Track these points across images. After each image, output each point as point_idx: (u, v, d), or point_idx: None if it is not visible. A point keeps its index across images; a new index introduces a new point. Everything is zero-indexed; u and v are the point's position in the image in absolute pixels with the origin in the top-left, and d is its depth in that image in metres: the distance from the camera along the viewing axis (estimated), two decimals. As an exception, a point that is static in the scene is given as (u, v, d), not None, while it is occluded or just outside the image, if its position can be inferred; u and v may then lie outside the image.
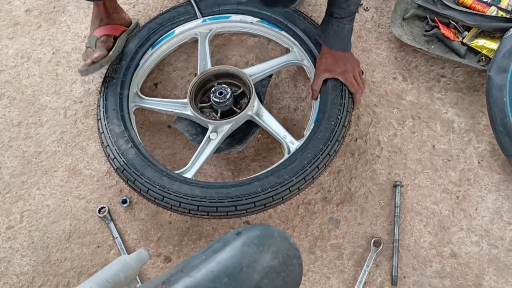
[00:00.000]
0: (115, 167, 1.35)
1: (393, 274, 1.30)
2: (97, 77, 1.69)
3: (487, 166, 1.41)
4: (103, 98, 1.45)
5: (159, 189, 1.28)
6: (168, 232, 1.44)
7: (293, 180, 1.25)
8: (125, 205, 1.48)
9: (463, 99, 1.50)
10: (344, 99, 1.34)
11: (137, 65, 1.53)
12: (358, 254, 1.36)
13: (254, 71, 1.49)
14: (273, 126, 1.40)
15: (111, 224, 1.46)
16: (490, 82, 1.40)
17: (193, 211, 1.26)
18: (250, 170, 1.49)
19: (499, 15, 1.54)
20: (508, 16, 1.52)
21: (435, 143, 1.46)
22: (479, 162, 1.42)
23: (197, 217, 1.36)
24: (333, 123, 1.31)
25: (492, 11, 1.55)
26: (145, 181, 1.29)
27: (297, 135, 1.42)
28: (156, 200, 1.29)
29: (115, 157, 1.35)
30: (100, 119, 1.42)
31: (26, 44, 1.78)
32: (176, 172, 1.35)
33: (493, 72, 1.40)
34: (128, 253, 1.42)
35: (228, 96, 1.42)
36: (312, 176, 1.27)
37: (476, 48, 1.52)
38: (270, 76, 1.51)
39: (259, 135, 1.53)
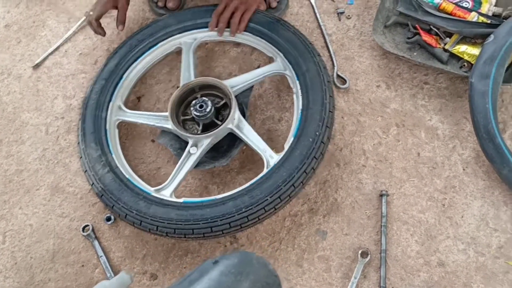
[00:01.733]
0: (95, 193, 1.35)
1: (381, 285, 1.30)
2: (79, 91, 1.67)
3: (472, 173, 1.41)
4: (81, 121, 1.44)
5: (136, 214, 1.28)
6: (154, 248, 1.42)
7: (267, 199, 1.23)
8: (110, 222, 1.46)
9: (447, 105, 1.50)
10: (324, 114, 1.32)
11: (117, 83, 1.50)
12: (345, 265, 1.35)
13: (236, 82, 1.48)
14: (253, 139, 1.38)
15: (96, 243, 1.44)
16: (472, 89, 1.39)
17: (171, 234, 1.26)
18: (235, 183, 1.48)
19: (480, 21, 1.54)
20: (488, 22, 1.52)
21: (420, 151, 1.45)
22: (464, 169, 1.42)
23: (176, 239, 1.36)
24: (311, 139, 1.29)
25: (473, 16, 1.56)
26: (122, 206, 1.29)
27: (281, 147, 1.41)
28: (135, 225, 1.29)
29: (93, 183, 1.35)
30: (79, 143, 1.42)
31: (6, 60, 1.76)
32: (155, 188, 1.33)
33: (475, 78, 1.40)
34: (114, 272, 1.40)
35: (208, 109, 1.40)
36: (288, 195, 1.25)
37: (458, 54, 1.52)
38: (252, 87, 1.50)
39: (244, 147, 1.52)
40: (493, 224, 1.35)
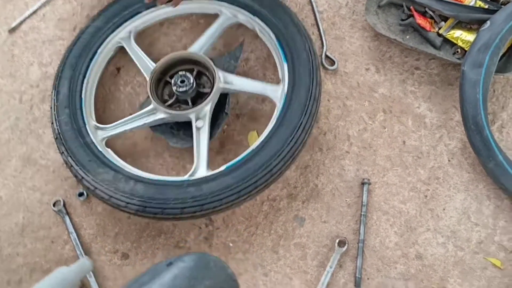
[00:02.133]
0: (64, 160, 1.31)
1: (357, 275, 1.27)
2: (56, 59, 1.59)
3: (457, 165, 1.37)
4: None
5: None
6: (127, 227, 1.38)
7: (241, 185, 1.19)
8: (82, 198, 1.41)
9: (437, 93, 1.45)
10: (309, 101, 1.26)
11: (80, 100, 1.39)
12: (322, 254, 1.32)
13: (198, 47, 1.42)
14: (248, 87, 1.36)
15: (66, 218, 1.39)
16: (464, 77, 1.34)
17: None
18: (214, 164, 1.43)
19: (477, 5, 1.47)
20: (486, 7, 1.45)
21: (405, 139, 1.41)
22: (449, 160, 1.38)
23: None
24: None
25: (470, 0, 1.49)
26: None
27: (263, 128, 1.34)
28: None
29: (62, 152, 1.31)
30: (51, 107, 1.35)
31: (-21, 22, 1.67)
32: (185, 177, 1.27)
33: (467, 66, 1.34)
34: (84, 250, 1.36)
35: (191, 81, 1.35)
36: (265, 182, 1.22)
37: (452, 40, 1.46)
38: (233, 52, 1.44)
39: (225, 127, 1.46)
40: (474, 218, 1.32)
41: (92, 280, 1.32)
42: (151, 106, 1.34)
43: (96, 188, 1.23)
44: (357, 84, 1.48)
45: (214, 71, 1.36)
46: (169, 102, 1.38)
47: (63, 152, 1.30)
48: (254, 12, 1.41)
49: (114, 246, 1.37)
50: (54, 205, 1.40)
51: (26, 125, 1.51)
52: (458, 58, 1.44)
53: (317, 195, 1.37)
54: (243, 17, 1.44)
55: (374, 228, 1.33)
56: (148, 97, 1.39)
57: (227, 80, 1.37)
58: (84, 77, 1.39)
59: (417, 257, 1.29)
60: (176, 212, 1.19)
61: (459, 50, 1.45)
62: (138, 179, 1.24)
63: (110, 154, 1.32)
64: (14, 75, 1.58)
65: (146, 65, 1.41)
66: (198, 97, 1.39)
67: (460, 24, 1.47)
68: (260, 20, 1.41)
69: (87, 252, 1.36)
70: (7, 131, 1.51)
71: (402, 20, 1.51)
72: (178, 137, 1.40)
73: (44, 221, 1.41)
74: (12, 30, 1.65)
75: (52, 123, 1.34)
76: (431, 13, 1.49)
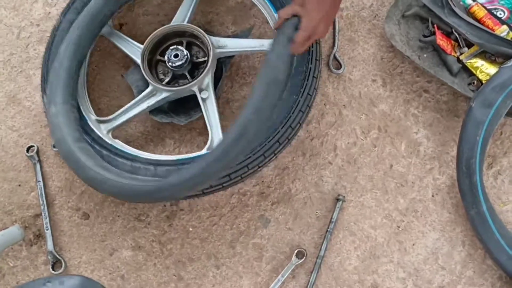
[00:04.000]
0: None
1: (306, 291, 1.24)
2: (61, 1, 1.54)
3: (440, 202, 1.30)
4: None
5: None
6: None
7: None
8: (57, 149, 1.39)
9: (440, 122, 1.36)
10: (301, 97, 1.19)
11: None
12: (278, 260, 1.28)
13: (180, 18, 1.36)
14: (243, 46, 1.32)
15: (37, 166, 1.38)
16: (470, 114, 1.25)
17: None
18: (193, 144, 1.39)
19: (509, 38, 1.35)
20: (517, 42, 1.33)
21: (393, 163, 1.33)
22: (433, 195, 1.30)
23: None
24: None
25: (503, 30, 1.37)
26: None
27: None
28: None
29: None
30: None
31: None
32: (97, 118, 1.28)
33: (476, 104, 1.25)
34: (47, 201, 1.35)
35: (185, 53, 1.30)
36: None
37: (471, 69, 1.35)
38: None
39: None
40: (442, 261, 1.25)
41: (48, 233, 1.32)
42: (149, 89, 1.29)
43: None
44: (359, 94, 1.39)
45: (206, 37, 1.29)
46: (167, 80, 1.33)
47: None
48: None
49: (77, 204, 1.36)
50: (28, 150, 1.39)
51: (18, 63, 1.49)
52: (472, 90, 1.34)
53: (288, 200, 1.32)
54: None
55: (337, 247, 1.28)
56: (133, 67, 1.35)
57: (220, 44, 1.31)
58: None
59: (372, 286, 1.24)
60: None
61: (475, 81, 1.35)
62: (157, 163, 1.20)
63: (120, 145, 1.26)
64: (18, 8, 1.54)
65: (133, 49, 1.35)
66: (194, 69, 1.34)
67: (484, 54, 1.36)
68: None
69: (49, 204, 1.35)
70: (-1, 64, 1.49)
71: (424, 36, 1.40)
72: (182, 113, 1.35)
73: (16, 163, 1.40)
74: (26, -39, 1.60)
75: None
76: (456, 35, 1.38)
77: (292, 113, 1.20)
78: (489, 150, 1.31)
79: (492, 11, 1.39)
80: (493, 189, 1.30)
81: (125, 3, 1.39)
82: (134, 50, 1.35)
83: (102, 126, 1.29)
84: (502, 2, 1.41)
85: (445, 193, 1.30)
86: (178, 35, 1.34)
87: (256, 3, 1.36)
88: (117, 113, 1.30)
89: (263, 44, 1.30)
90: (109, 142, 1.25)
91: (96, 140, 1.25)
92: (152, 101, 1.29)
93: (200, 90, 1.28)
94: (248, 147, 1.07)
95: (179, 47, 1.29)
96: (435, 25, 1.38)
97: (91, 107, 1.33)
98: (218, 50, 1.30)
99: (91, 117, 1.29)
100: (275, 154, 1.23)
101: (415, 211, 1.29)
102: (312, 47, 1.24)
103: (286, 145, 1.25)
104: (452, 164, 1.32)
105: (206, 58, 1.31)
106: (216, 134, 1.24)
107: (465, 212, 1.25)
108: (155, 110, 1.33)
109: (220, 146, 1.05)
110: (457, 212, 1.29)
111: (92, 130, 1.26)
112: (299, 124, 1.24)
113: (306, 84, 1.21)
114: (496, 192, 1.30)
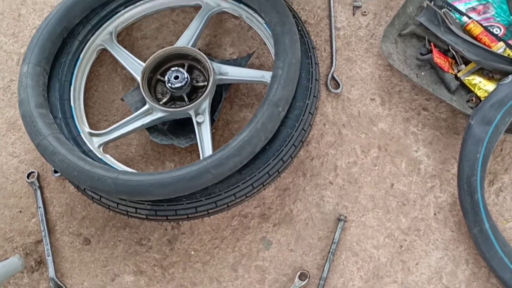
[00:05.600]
0: None
1: (310, 314, 1.23)
2: (61, 27, 1.55)
3: (442, 220, 1.29)
4: None
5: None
6: (94, 213, 1.37)
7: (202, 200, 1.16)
8: (57, 174, 1.39)
9: (439, 139, 1.36)
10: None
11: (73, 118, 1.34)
12: (281, 282, 1.27)
13: (185, 41, 1.36)
14: (244, 75, 1.33)
15: (38, 192, 1.38)
16: (469, 132, 1.25)
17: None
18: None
19: (506, 54, 1.36)
20: (514, 59, 1.34)
21: (394, 182, 1.33)
22: (435, 214, 1.30)
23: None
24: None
25: (499, 47, 1.37)
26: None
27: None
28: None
29: None
30: None
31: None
32: (90, 130, 1.28)
33: (475, 121, 1.25)
34: (47, 228, 1.34)
35: (185, 75, 1.30)
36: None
37: (469, 86, 1.36)
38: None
39: (213, 130, 1.41)
40: (446, 280, 1.25)
41: (49, 259, 1.31)
42: (146, 107, 1.29)
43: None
44: (358, 114, 1.40)
45: (208, 63, 1.30)
46: (164, 100, 1.33)
47: None
48: None
49: (79, 229, 1.36)
50: (28, 176, 1.39)
51: (18, 89, 1.49)
52: (471, 107, 1.35)
53: (289, 221, 1.32)
54: (228, 4, 1.38)
55: (340, 268, 1.27)
56: (133, 89, 1.36)
57: (222, 71, 1.32)
58: (70, 84, 1.34)
59: (376, 308, 1.24)
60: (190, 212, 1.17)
61: (473, 98, 1.35)
62: None
63: (109, 160, 1.26)
64: (17, 35, 1.55)
65: (134, 65, 1.36)
66: (193, 92, 1.34)
67: (481, 71, 1.37)
68: (247, 7, 1.35)
69: (50, 230, 1.35)
70: None
71: (422, 54, 1.41)
72: (182, 136, 1.35)
73: (17, 190, 1.40)
74: (25, -12, 1.62)
75: None
76: (453, 52, 1.39)
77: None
78: (490, 167, 1.31)
79: (488, 28, 1.40)
80: (495, 206, 1.29)
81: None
82: (135, 67, 1.35)
83: (95, 139, 1.30)
84: (498, 19, 1.42)
85: (447, 211, 1.30)
86: (180, 57, 1.35)
87: (252, 26, 1.37)
88: (111, 127, 1.31)
89: (264, 75, 1.30)
90: (99, 156, 1.25)
91: (86, 153, 1.24)
92: (147, 120, 1.30)
93: (196, 114, 1.28)
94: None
95: (181, 69, 1.30)
96: (432, 43, 1.39)
97: (85, 119, 1.34)
98: (219, 77, 1.30)
99: (84, 129, 1.30)
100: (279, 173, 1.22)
101: (417, 230, 1.29)
102: (312, 67, 1.24)
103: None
104: (453, 181, 1.32)
105: (206, 83, 1.31)
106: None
107: (468, 230, 1.25)
108: (155, 132, 1.33)
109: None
110: (460, 230, 1.28)
111: (84, 143, 1.27)
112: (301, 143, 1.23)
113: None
114: (499, 209, 1.29)
